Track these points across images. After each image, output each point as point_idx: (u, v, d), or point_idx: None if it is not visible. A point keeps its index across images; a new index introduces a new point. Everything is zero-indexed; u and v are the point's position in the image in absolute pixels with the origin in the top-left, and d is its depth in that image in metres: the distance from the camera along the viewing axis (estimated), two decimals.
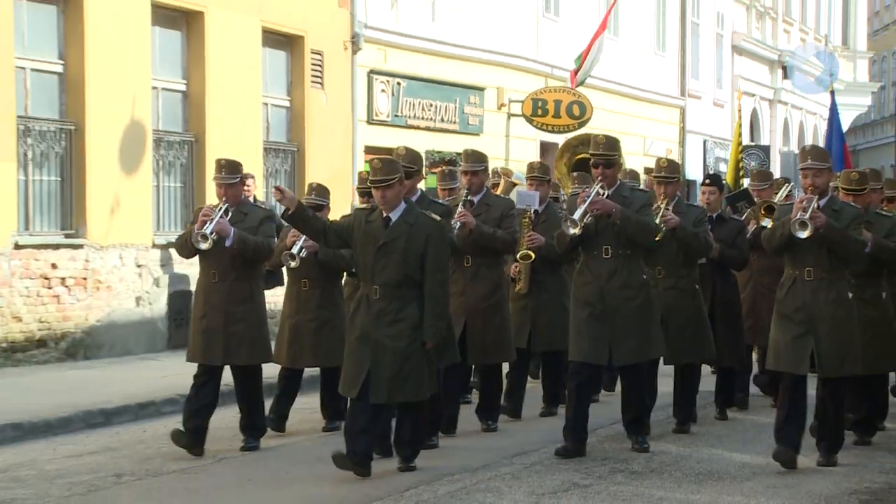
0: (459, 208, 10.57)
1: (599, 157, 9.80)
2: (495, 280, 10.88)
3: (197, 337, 10.05)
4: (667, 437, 10.90)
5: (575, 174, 14.09)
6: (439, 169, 13.68)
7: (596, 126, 23.94)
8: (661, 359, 10.67)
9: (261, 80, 18.43)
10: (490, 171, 15.66)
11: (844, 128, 47.22)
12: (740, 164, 18.77)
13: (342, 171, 19.43)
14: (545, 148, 24.86)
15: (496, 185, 14.34)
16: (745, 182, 17.38)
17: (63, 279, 15.21)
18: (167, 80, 17.04)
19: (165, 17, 16.82)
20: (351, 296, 10.52)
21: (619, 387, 10.86)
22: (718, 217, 11.67)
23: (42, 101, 15.27)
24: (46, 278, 15.00)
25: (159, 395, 12.45)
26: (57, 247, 15.18)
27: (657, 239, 10.02)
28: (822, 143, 25.38)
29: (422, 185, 11.58)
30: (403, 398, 8.99)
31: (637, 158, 27.62)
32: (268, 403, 10.67)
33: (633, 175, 13.62)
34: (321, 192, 10.93)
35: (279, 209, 11.83)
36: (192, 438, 9.89)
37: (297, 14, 18.91)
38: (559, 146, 20.11)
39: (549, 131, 24.23)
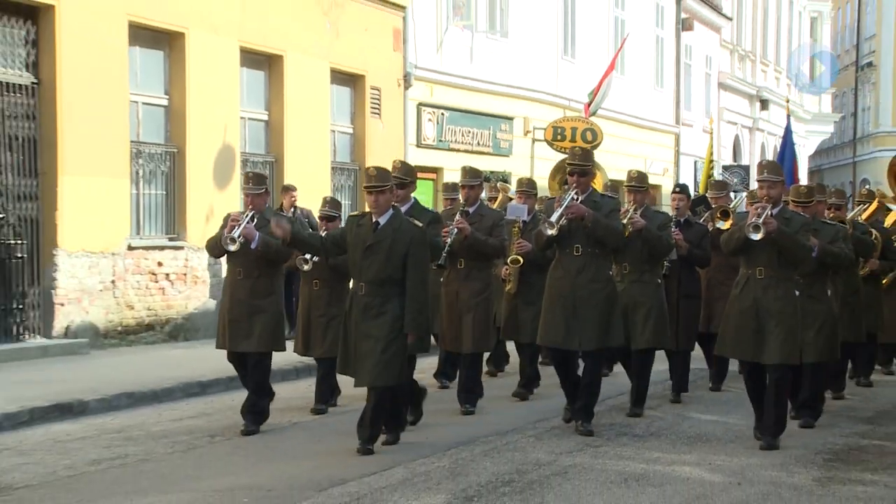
0: (457, 217, 10.22)
1: (575, 167, 9.21)
2: (485, 280, 10.45)
3: (223, 326, 9.55)
4: (664, 405, 10.85)
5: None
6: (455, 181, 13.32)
7: (606, 149, 23.92)
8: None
9: (329, 111, 18.47)
10: (499, 186, 15.59)
11: (811, 151, 47.25)
12: (711, 178, 18.38)
13: None
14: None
15: (493, 199, 14.25)
16: None
17: (167, 275, 15.29)
18: (253, 111, 17.10)
19: (251, 59, 16.92)
20: None
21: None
22: (686, 221, 11.32)
23: (151, 129, 15.32)
24: (154, 274, 15.09)
25: None
26: (162, 248, 15.25)
27: (626, 236, 9.64)
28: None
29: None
30: (383, 383, 8.32)
31: None
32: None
33: (614, 188, 13.12)
34: (334, 205, 10.44)
35: (314, 213, 11.45)
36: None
37: (359, 57, 18.96)
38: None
39: (567, 153, 24.07)
